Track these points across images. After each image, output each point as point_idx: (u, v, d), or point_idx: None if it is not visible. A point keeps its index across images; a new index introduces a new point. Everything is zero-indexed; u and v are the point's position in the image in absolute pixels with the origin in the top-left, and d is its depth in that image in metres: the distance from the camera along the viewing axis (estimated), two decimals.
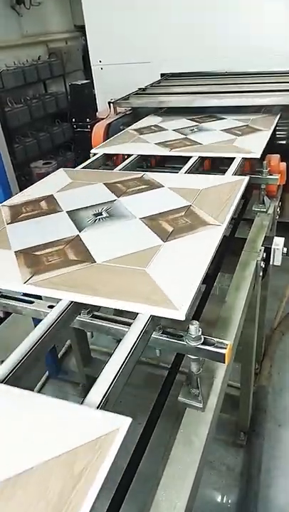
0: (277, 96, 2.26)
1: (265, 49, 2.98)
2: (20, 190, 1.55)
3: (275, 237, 1.55)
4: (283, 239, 1.55)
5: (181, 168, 1.65)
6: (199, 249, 1.04)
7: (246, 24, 3.05)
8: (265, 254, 1.50)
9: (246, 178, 1.44)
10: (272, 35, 3.00)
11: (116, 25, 3.40)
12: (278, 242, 1.53)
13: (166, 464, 0.84)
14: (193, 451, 0.86)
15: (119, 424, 0.58)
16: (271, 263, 1.54)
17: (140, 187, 1.48)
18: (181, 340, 0.86)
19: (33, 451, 0.56)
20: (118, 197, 1.41)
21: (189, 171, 1.63)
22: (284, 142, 2.08)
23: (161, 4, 3.21)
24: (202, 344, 0.83)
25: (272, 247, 1.53)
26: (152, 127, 2.20)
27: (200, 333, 0.83)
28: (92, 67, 3.65)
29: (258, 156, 1.65)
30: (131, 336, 0.80)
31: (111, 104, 2.53)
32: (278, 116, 2.15)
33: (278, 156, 1.83)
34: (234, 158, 1.68)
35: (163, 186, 1.46)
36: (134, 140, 2.02)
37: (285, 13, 2.95)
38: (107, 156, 1.94)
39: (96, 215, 1.29)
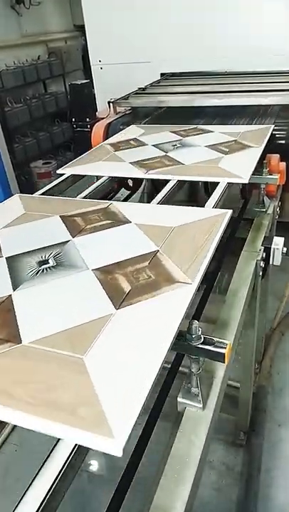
0: (277, 95, 2.26)
1: (265, 49, 2.98)
2: (20, 189, 1.53)
3: (275, 237, 1.56)
4: (283, 239, 1.55)
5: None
6: (158, 323, 0.80)
7: (246, 24, 3.05)
8: (264, 254, 1.50)
9: (229, 212, 1.21)
10: (272, 35, 3.00)
11: (116, 24, 3.40)
12: (278, 241, 1.53)
13: (165, 464, 0.84)
14: (192, 451, 0.86)
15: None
16: (271, 263, 1.54)
17: (102, 222, 1.25)
18: (181, 339, 0.86)
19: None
20: (73, 236, 1.18)
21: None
22: (283, 142, 2.08)
23: (161, 4, 3.21)
24: (202, 344, 0.83)
25: (272, 246, 1.53)
26: (131, 141, 1.94)
27: (200, 333, 0.83)
28: (91, 67, 3.65)
29: (246, 180, 1.42)
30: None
31: (111, 104, 2.53)
32: (271, 129, 1.92)
33: (278, 155, 1.83)
34: (218, 183, 1.46)
35: (129, 222, 1.23)
36: (107, 158, 1.77)
37: (284, 13, 2.95)
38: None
39: (41, 263, 1.05)
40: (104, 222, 1.25)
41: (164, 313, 0.83)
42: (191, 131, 2.02)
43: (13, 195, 1.51)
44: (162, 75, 3.29)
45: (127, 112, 2.60)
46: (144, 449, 0.89)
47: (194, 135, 1.94)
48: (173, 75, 3.30)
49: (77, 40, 6.54)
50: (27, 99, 5.39)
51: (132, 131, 2.10)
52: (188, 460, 0.84)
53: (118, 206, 1.35)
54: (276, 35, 3.00)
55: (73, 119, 5.42)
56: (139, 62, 3.37)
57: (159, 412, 0.98)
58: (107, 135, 2.35)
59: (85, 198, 1.49)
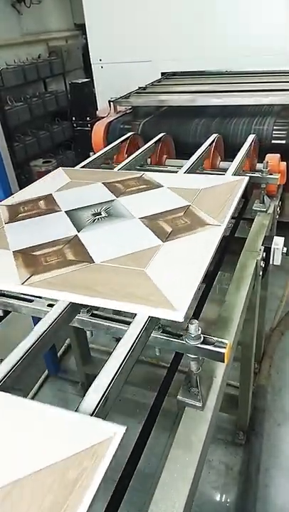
0: (277, 95, 2.26)
1: (265, 48, 2.98)
2: (20, 188, 1.55)
3: (275, 237, 1.56)
4: (283, 238, 1.55)
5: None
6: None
7: (246, 23, 3.05)
8: (264, 253, 1.50)
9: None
10: (272, 34, 3.00)
11: (116, 24, 3.40)
12: (278, 241, 1.54)
13: (165, 463, 0.84)
14: (192, 450, 0.86)
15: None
16: (271, 263, 1.54)
17: (139, 187, 1.46)
18: (181, 339, 0.86)
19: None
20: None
21: (189, 171, 1.61)
22: (284, 142, 2.08)
23: (161, 3, 3.20)
24: (202, 343, 0.83)
25: (272, 246, 1.53)
26: (41, 202, 1.41)
27: (199, 332, 0.83)
28: (92, 66, 3.65)
29: (181, 319, 0.81)
30: (130, 334, 0.80)
31: (111, 103, 2.53)
32: (245, 183, 1.38)
33: (278, 155, 1.83)
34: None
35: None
36: None
37: (284, 13, 2.94)
38: (106, 156, 1.92)
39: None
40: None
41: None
42: (133, 183, 1.50)
43: (13, 194, 1.51)
44: (163, 74, 3.29)
45: (127, 111, 2.60)
46: (143, 448, 0.90)
47: (133, 192, 1.42)
48: (174, 74, 3.30)
49: (78, 39, 6.53)
50: (27, 97, 5.38)
51: (56, 180, 1.60)
52: (187, 459, 0.84)
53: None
54: (276, 35, 2.99)
55: (74, 118, 5.41)
56: (139, 61, 3.36)
57: (158, 411, 0.98)
58: (107, 134, 2.35)
59: None
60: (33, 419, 0.61)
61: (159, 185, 1.45)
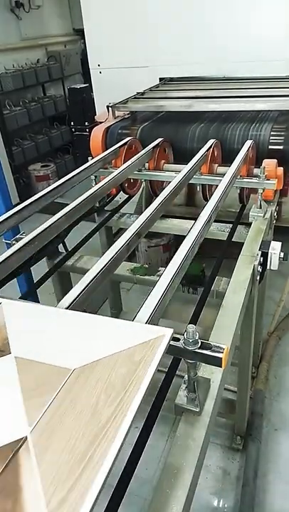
0: (275, 101, 2.28)
1: (264, 55, 3.00)
2: (18, 192, 1.54)
3: (272, 242, 1.56)
4: (280, 243, 1.55)
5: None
6: None
7: (245, 30, 3.07)
8: (262, 258, 1.51)
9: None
10: (271, 41, 3.02)
11: (115, 29, 3.42)
12: (275, 246, 1.54)
13: (162, 468, 0.84)
14: (189, 455, 0.86)
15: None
16: (268, 267, 1.55)
17: None
18: (178, 343, 0.86)
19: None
20: None
21: (187, 176, 1.60)
22: (281, 147, 2.09)
23: (160, 9, 3.23)
24: (199, 348, 0.83)
25: (269, 251, 1.53)
26: None
27: (197, 337, 0.83)
28: (90, 71, 3.66)
29: None
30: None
31: (109, 108, 2.54)
32: (169, 336, 0.86)
33: (275, 161, 1.84)
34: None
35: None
36: None
37: (283, 20, 2.97)
38: (105, 161, 1.93)
39: None
40: None
41: None
42: None
43: (11, 197, 1.52)
44: (161, 79, 3.31)
45: (125, 116, 2.61)
46: (141, 453, 0.90)
47: None
48: (171, 79, 3.32)
49: (77, 44, 6.57)
50: (26, 102, 5.40)
51: None
52: (185, 464, 0.85)
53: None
54: (275, 42, 3.02)
55: (72, 123, 5.43)
56: (138, 66, 3.38)
57: (156, 416, 0.98)
58: (105, 139, 2.36)
59: (83, 202, 1.49)
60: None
61: (4, 350, 0.73)
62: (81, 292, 0.95)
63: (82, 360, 0.69)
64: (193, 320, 1.26)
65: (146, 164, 2.00)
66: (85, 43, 3.67)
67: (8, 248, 1.18)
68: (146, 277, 1.85)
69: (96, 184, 1.74)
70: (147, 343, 0.72)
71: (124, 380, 0.65)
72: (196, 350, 0.83)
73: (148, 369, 0.66)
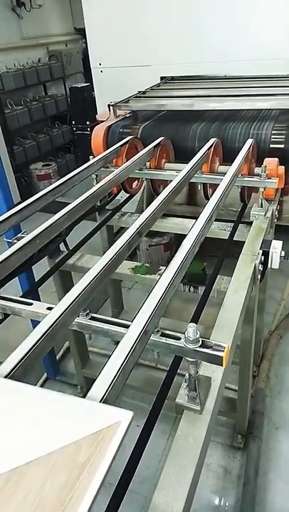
0: (276, 100, 2.28)
1: (264, 53, 2.99)
2: (20, 191, 1.54)
3: (273, 241, 1.56)
4: (281, 242, 1.55)
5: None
6: None
7: (245, 29, 3.06)
8: (263, 257, 1.51)
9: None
10: (272, 40, 3.01)
11: (116, 28, 3.41)
12: (276, 245, 1.54)
13: (163, 466, 0.84)
14: (190, 454, 0.86)
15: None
16: (269, 266, 1.55)
17: None
18: (179, 342, 0.86)
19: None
20: None
21: (188, 174, 1.61)
22: (282, 146, 2.09)
23: (161, 8, 3.22)
24: (200, 347, 0.84)
25: (271, 250, 1.53)
26: None
27: (198, 336, 0.84)
28: (92, 70, 3.66)
29: None
30: (129, 337, 0.80)
31: (111, 107, 2.54)
32: (125, 427, 0.70)
33: (276, 159, 1.84)
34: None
35: None
36: None
37: (283, 19, 2.96)
38: (106, 159, 1.93)
39: None
40: None
41: None
42: None
43: (12, 197, 1.52)
44: (162, 78, 3.30)
45: (127, 115, 2.61)
46: (142, 451, 0.90)
47: None
48: (173, 78, 3.32)
49: (78, 43, 6.56)
50: (27, 101, 5.41)
51: None
52: (186, 462, 0.85)
53: None
54: (276, 40, 3.01)
55: (73, 122, 5.43)
56: (139, 65, 3.38)
57: (157, 414, 0.99)
58: (107, 138, 2.36)
59: (84, 200, 1.49)
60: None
61: None
62: (82, 291, 0.94)
63: (11, 461, 0.51)
64: (194, 319, 1.26)
65: (148, 163, 2.00)
66: (86, 42, 3.67)
67: (9, 247, 1.18)
68: (147, 276, 1.86)
69: (97, 183, 1.74)
70: (98, 434, 0.55)
71: (62, 494, 0.48)
72: (197, 348, 0.84)
73: (94, 476, 0.49)
